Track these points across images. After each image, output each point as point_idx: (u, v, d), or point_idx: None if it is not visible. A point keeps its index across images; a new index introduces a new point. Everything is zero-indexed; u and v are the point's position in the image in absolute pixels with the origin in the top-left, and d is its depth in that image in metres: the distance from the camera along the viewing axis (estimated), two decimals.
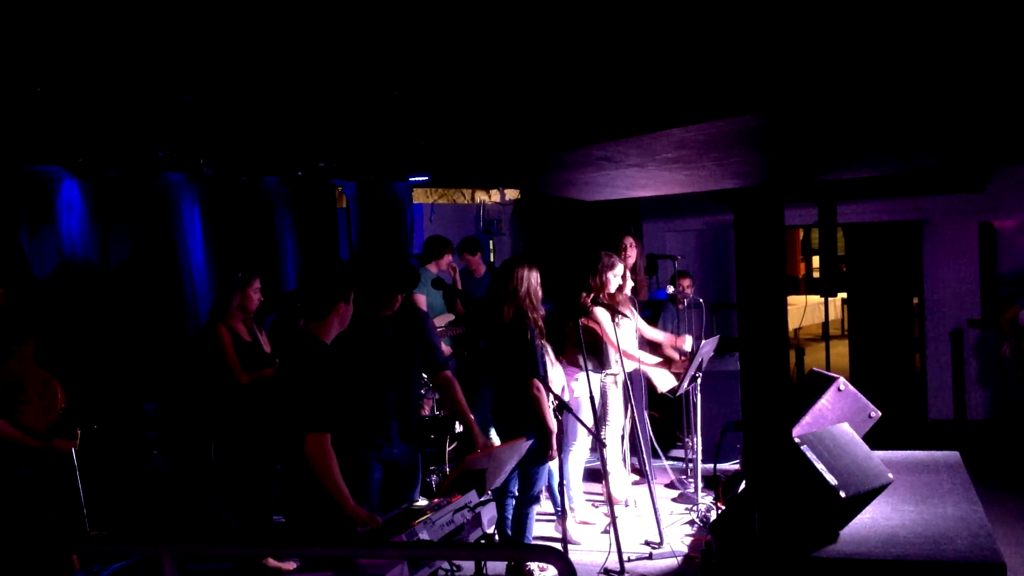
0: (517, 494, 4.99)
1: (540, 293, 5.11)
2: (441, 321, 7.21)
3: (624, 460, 6.49)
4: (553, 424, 4.89)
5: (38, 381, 4.90)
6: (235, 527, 5.46)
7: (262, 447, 5.31)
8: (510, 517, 5.00)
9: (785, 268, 3.63)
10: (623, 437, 6.38)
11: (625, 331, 6.01)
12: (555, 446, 4.93)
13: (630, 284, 6.35)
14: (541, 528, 5.93)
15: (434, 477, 6.61)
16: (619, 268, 6.02)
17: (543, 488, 5.10)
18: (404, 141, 7.27)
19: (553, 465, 5.42)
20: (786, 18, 2.00)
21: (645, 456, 6.10)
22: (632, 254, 6.72)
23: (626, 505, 6.34)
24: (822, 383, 4.70)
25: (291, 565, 5.28)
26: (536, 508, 5.04)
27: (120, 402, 6.39)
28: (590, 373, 5.48)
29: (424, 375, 4.73)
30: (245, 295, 5.39)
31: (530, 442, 4.65)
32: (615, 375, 6.22)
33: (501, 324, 4.97)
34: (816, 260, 18.25)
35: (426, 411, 6.93)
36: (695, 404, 6.40)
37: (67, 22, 4.94)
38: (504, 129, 2.91)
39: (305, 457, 3.51)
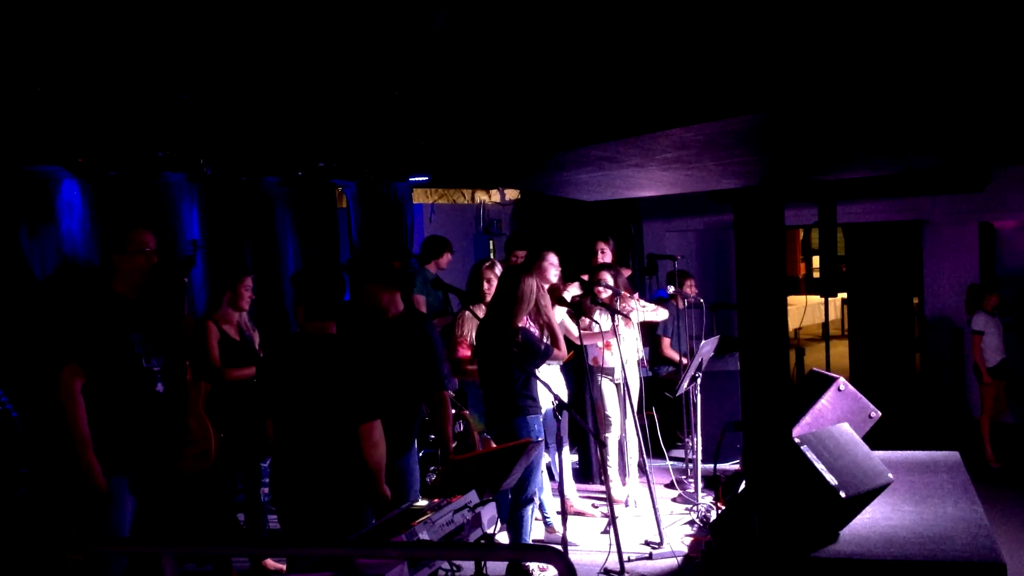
0: (511, 495, 5.00)
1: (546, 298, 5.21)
2: (442, 323, 7.19)
3: (624, 465, 6.50)
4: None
5: (200, 427, 4.93)
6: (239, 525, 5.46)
7: (242, 444, 5.30)
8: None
9: (785, 268, 3.62)
10: (619, 441, 6.40)
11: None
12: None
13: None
14: (540, 529, 5.92)
15: (434, 477, 6.61)
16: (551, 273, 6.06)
17: (537, 489, 5.10)
18: (404, 141, 7.27)
19: (544, 474, 5.45)
20: (785, 18, 2.00)
21: (643, 456, 6.09)
22: (604, 259, 6.71)
23: (626, 505, 6.34)
24: (822, 383, 4.70)
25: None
26: (530, 508, 5.03)
27: None
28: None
29: None
30: (236, 293, 5.39)
31: (540, 444, 4.69)
32: (611, 373, 6.24)
33: (507, 328, 5.01)
34: (816, 260, 18.26)
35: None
36: (695, 404, 6.40)
37: (67, 22, 4.94)
38: (504, 129, 2.91)
39: (339, 448, 3.66)
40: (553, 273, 6.08)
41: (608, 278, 6.20)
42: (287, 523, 3.89)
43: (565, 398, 5.92)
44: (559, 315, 5.88)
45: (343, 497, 3.74)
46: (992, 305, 7.59)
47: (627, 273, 6.44)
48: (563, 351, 5.40)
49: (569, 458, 6.27)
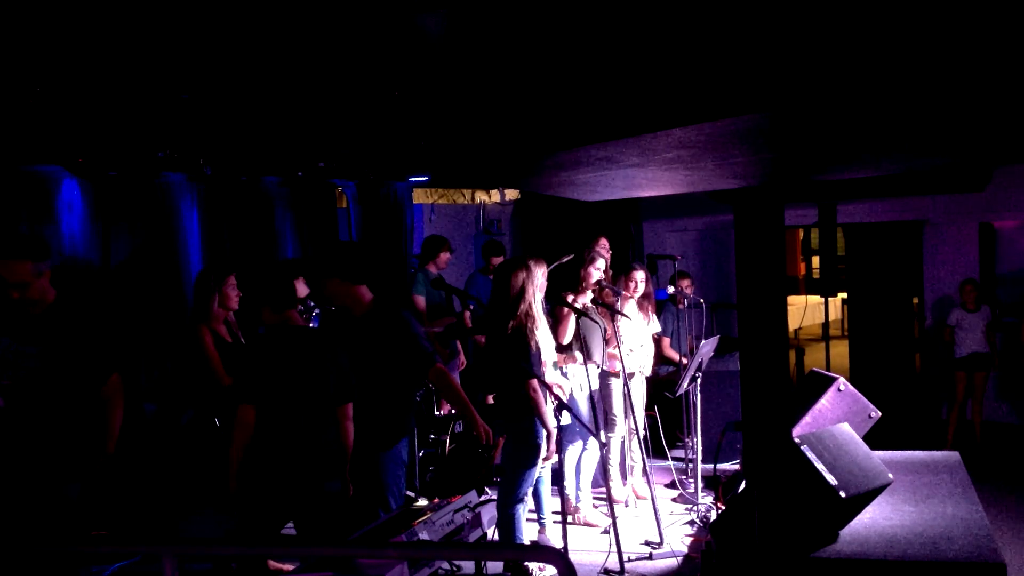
0: (501, 494, 4.96)
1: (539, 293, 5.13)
2: (444, 323, 7.18)
3: (624, 465, 6.50)
4: (552, 425, 4.88)
5: None
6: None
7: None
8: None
9: (785, 268, 3.62)
10: (622, 442, 6.40)
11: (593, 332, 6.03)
12: (553, 447, 4.92)
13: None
14: (534, 529, 5.92)
15: (434, 477, 6.61)
16: (600, 263, 6.12)
17: (529, 490, 5.08)
18: (404, 141, 7.27)
19: (544, 472, 5.41)
20: (786, 17, 2.00)
21: (643, 456, 6.09)
22: (606, 256, 6.72)
23: (626, 505, 6.34)
24: (822, 383, 4.70)
25: (291, 566, 5.27)
26: (521, 508, 5.01)
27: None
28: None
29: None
30: (223, 294, 5.38)
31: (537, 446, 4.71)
32: (615, 375, 6.24)
33: (502, 326, 4.98)
34: (816, 260, 18.27)
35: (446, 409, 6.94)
36: (695, 404, 6.40)
37: (67, 22, 4.94)
38: (504, 129, 2.91)
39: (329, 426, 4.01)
40: (602, 262, 6.20)
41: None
42: (263, 504, 4.01)
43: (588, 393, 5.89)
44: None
45: (323, 471, 4.02)
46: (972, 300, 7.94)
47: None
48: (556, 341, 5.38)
49: (593, 460, 6.20)
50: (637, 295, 6.51)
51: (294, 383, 4.02)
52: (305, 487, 3.98)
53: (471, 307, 7.01)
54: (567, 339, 5.84)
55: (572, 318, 5.76)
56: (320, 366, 4.06)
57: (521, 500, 4.97)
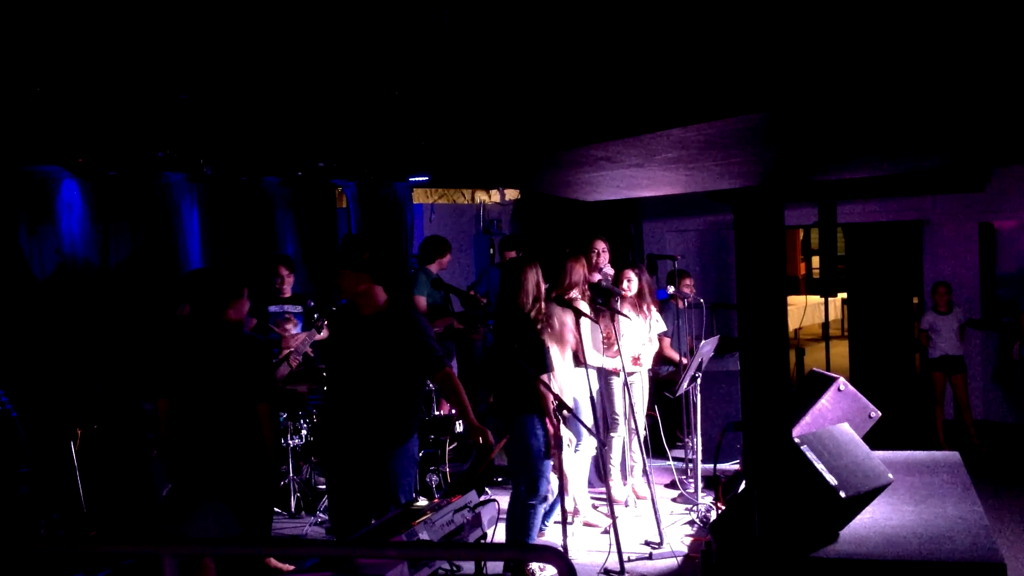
0: (524, 491, 4.97)
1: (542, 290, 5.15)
2: (444, 323, 7.17)
3: (624, 465, 6.50)
4: (550, 424, 4.89)
5: None
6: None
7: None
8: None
9: (785, 268, 3.62)
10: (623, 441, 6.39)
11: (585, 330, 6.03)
12: (568, 437, 4.95)
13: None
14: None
15: (434, 477, 6.60)
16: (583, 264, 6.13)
17: (549, 487, 5.07)
18: (404, 141, 7.27)
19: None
20: (786, 17, 2.00)
21: (643, 456, 6.08)
22: (603, 258, 6.71)
23: (626, 505, 6.33)
24: (822, 383, 4.70)
25: (291, 566, 5.27)
26: (542, 506, 5.00)
27: (120, 402, 6.38)
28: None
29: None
30: None
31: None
32: (615, 374, 6.24)
33: (509, 323, 4.99)
34: (816, 260, 18.27)
35: (445, 410, 6.93)
36: (695, 404, 6.40)
37: (67, 22, 4.94)
38: (503, 129, 2.91)
39: (248, 424, 4.16)
40: (604, 259, 6.25)
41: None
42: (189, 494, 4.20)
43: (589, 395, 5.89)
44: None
45: (245, 469, 4.18)
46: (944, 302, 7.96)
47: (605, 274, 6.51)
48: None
49: (588, 460, 6.18)
50: (629, 295, 6.48)
51: (206, 379, 4.17)
52: (225, 481, 4.14)
53: (480, 295, 7.06)
54: (583, 341, 5.87)
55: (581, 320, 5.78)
56: (235, 363, 4.19)
57: (545, 497, 4.97)
